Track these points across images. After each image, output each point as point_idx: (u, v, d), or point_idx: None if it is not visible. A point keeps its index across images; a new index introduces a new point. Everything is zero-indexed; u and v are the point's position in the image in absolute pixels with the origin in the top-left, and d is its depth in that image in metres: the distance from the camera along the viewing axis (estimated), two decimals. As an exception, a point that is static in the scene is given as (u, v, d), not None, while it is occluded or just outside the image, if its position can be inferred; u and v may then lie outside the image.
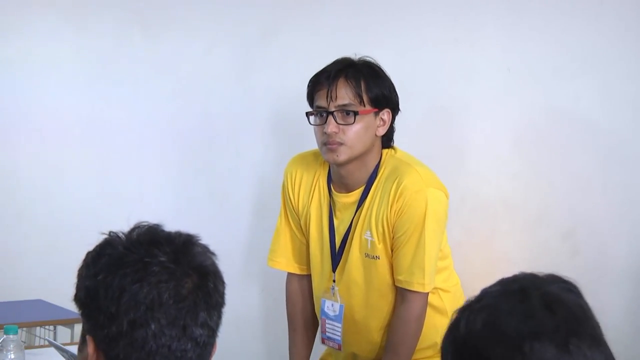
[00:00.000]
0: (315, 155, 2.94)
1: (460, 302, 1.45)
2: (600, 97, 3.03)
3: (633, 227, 2.98)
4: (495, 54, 3.22)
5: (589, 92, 3.04)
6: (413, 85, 3.29)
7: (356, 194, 2.82)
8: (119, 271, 1.45)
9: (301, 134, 3.25)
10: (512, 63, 3.19)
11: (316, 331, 3.08)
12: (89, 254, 1.51)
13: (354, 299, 2.86)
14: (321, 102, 2.78)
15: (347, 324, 2.88)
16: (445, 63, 3.33)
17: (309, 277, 3.02)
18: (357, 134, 2.75)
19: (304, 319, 3.05)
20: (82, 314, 1.49)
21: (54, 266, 4.54)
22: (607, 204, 3.02)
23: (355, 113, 2.74)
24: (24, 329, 3.82)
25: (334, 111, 2.75)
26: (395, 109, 2.82)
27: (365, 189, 2.81)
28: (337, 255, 2.86)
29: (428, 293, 2.78)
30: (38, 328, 3.96)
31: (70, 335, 3.86)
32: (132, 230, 1.50)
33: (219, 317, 1.50)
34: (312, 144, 3.01)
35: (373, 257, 2.79)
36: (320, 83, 2.78)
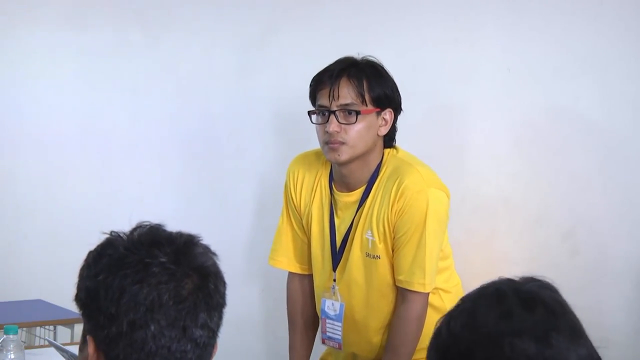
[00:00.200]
0: (317, 154, 2.95)
1: (460, 303, 1.45)
2: (600, 97, 3.03)
3: (633, 227, 2.98)
4: (495, 54, 3.22)
5: (589, 92, 3.05)
6: (413, 85, 3.28)
7: (357, 193, 2.83)
8: (119, 272, 1.44)
9: (301, 133, 3.25)
10: (512, 63, 3.19)
11: (316, 331, 3.08)
12: (90, 254, 1.51)
13: (354, 298, 2.86)
14: (323, 101, 2.78)
15: (347, 324, 2.89)
16: (445, 63, 3.33)
17: (310, 276, 3.02)
18: (358, 133, 2.75)
19: (305, 319, 3.05)
20: (83, 314, 1.49)
21: (54, 266, 4.54)
22: (607, 204, 3.03)
23: (357, 112, 2.74)
24: (24, 329, 3.81)
25: (336, 110, 2.75)
26: (397, 109, 2.82)
27: (366, 188, 2.81)
28: (337, 254, 2.87)
29: (429, 293, 2.78)
30: (38, 328, 3.96)
31: (70, 335, 3.86)
32: (134, 230, 1.50)
33: (220, 317, 1.50)
34: (312, 144, 3.01)
35: (374, 257, 2.80)
36: (323, 82, 2.78)
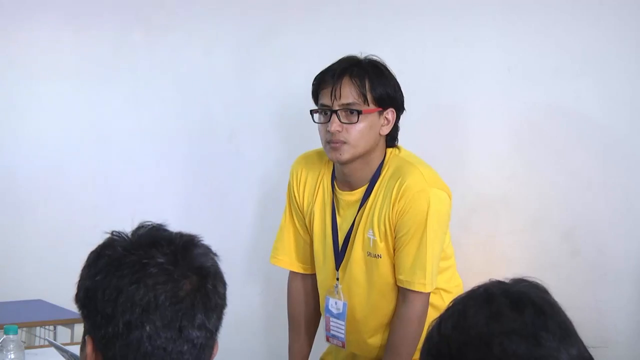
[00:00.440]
0: (319, 154, 2.95)
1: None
2: (600, 97, 3.03)
3: (633, 227, 2.98)
4: (495, 54, 3.22)
5: (589, 92, 3.04)
6: (413, 85, 3.28)
7: (359, 192, 2.83)
8: (117, 272, 1.45)
9: (302, 134, 3.26)
10: (512, 63, 3.19)
11: (316, 330, 3.09)
12: (90, 254, 1.51)
13: (355, 297, 2.86)
14: (325, 100, 2.78)
15: (348, 323, 2.89)
16: (445, 63, 3.33)
17: (311, 276, 3.02)
18: (360, 132, 2.75)
19: (305, 318, 3.05)
20: (82, 314, 1.49)
21: (54, 266, 4.54)
22: (607, 203, 3.02)
23: (359, 112, 2.75)
24: (24, 329, 3.82)
25: (337, 110, 2.76)
26: (400, 108, 2.83)
27: (368, 187, 2.81)
28: (340, 253, 2.87)
29: (429, 293, 2.78)
30: (38, 328, 3.96)
31: (70, 335, 3.86)
32: (136, 230, 1.50)
33: (219, 318, 1.49)
34: (313, 144, 3.02)
35: (375, 256, 2.80)
36: (325, 81, 2.79)
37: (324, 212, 2.91)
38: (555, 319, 1.32)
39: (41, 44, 4.86)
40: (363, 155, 2.78)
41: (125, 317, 1.42)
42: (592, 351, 1.35)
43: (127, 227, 1.52)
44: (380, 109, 2.78)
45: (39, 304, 4.13)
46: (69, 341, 3.74)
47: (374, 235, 2.79)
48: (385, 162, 2.82)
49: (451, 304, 1.37)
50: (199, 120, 4.12)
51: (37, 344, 3.88)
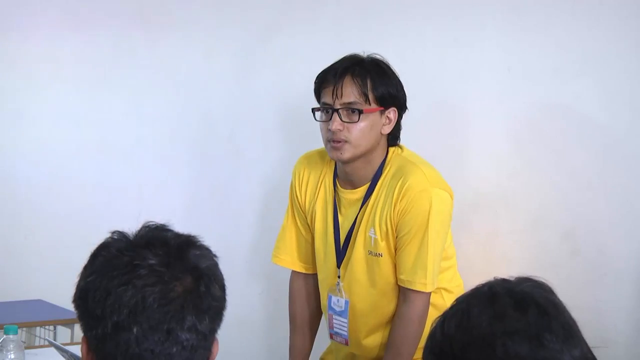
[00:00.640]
0: (321, 154, 2.96)
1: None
2: (599, 97, 3.03)
3: (633, 227, 2.98)
4: (495, 54, 3.22)
5: (589, 91, 3.04)
6: (413, 85, 3.28)
7: (361, 191, 2.83)
8: (108, 273, 1.45)
9: (303, 134, 3.26)
10: (512, 63, 3.19)
11: (317, 330, 3.09)
12: (90, 254, 1.52)
13: (356, 296, 2.87)
14: (327, 99, 2.78)
15: (349, 321, 2.89)
16: (445, 63, 3.33)
17: (312, 275, 3.03)
18: (361, 132, 2.75)
19: (306, 318, 3.06)
20: (77, 314, 1.50)
21: (54, 266, 4.54)
22: (607, 203, 3.02)
23: (360, 111, 2.75)
24: (24, 329, 3.82)
25: (339, 109, 2.76)
26: (402, 108, 2.83)
27: (370, 186, 2.81)
28: (341, 251, 2.87)
29: (430, 293, 2.78)
30: (38, 328, 3.97)
31: (70, 335, 3.87)
32: (138, 231, 1.50)
33: (213, 320, 1.48)
34: (313, 144, 3.02)
35: (376, 255, 2.80)
36: (327, 80, 2.79)
37: (325, 210, 2.91)
38: (559, 319, 1.31)
39: (41, 44, 4.86)
40: (364, 155, 2.78)
41: (114, 318, 1.42)
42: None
43: (128, 227, 1.52)
44: (382, 109, 2.78)
45: (39, 304, 4.13)
46: (69, 341, 3.75)
47: (375, 234, 2.79)
48: (387, 161, 2.82)
49: (455, 302, 1.36)
50: (199, 120, 4.12)
51: (37, 344, 3.88)
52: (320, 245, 2.94)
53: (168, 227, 1.52)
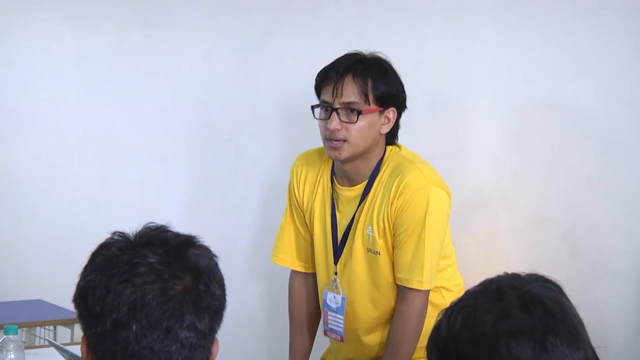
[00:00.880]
0: (319, 152, 2.96)
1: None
2: (600, 96, 3.03)
3: (633, 227, 2.98)
4: (495, 54, 3.22)
5: (589, 91, 3.04)
6: (413, 85, 3.28)
7: (359, 189, 2.83)
8: (107, 272, 1.45)
9: (302, 133, 3.26)
10: (512, 63, 3.19)
11: (317, 329, 3.09)
12: (90, 254, 1.52)
13: (355, 293, 2.87)
14: (327, 97, 2.78)
15: (348, 320, 2.89)
16: (445, 63, 3.33)
17: (311, 275, 3.03)
18: (360, 131, 2.75)
19: (306, 317, 3.06)
20: (77, 314, 1.50)
21: (54, 266, 4.54)
22: (607, 203, 3.02)
23: (359, 112, 2.74)
24: (24, 329, 3.82)
25: (338, 108, 2.75)
26: (401, 107, 2.83)
27: (367, 183, 2.81)
28: (338, 248, 2.87)
29: (428, 291, 2.78)
30: (38, 328, 3.97)
31: (70, 335, 3.86)
32: (139, 231, 1.50)
33: (213, 320, 1.48)
34: (313, 144, 3.02)
35: (374, 252, 2.80)
36: (329, 78, 2.78)
37: (323, 208, 2.92)
38: (565, 322, 1.30)
39: (41, 43, 4.85)
40: (362, 154, 2.79)
41: (113, 315, 1.42)
42: (591, 351, 1.35)
43: (129, 226, 1.52)
44: (381, 109, 2.78)
45: (39, 304, 4.13)
46: (69, 341, 3.75)
47: (373, 231, 2.79)
48: (384, 159, 2.82)
49: (463, 296, 1.35)
50: (199, 119, 4.12)
51: (37, 344, 3.88)
52: (318, 243, 2.94)
53: (168, 228, 1.52)
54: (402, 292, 2.79)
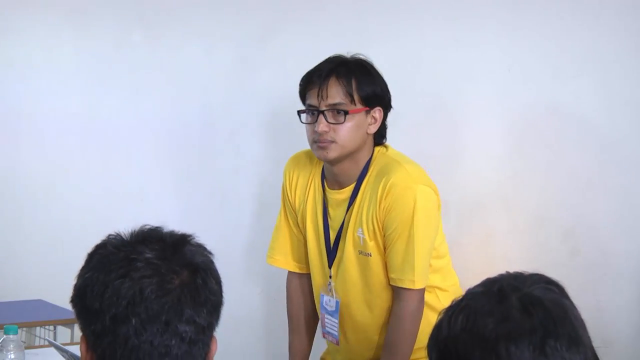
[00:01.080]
0: (309, 154, 2.97)
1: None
2: (600, 97, 3.03)
3: (633, 227, 2.98)
4: (495, 54, 3.22)
5: (589, 92, 3.04)
6: (413, 85, 3.29)
7: (348, 191, 2.84)
8: (105, 269, 1.45)
9: (301, 133, 3.25)
10: (512, 63, 3.19)
11: (316, 329, 3.09)
12: (87, 254, 1.52)
13: (349, 296, 2.87)
14: (312, 100, 2.79)
15: (344, 322, 2.89)
16: (445, 63, 3.33)
17: (307, 275, 3.03)
18: (348, 132, 2.76)
19: (304, 318, 3.06)
20: (75, 313, 1.50)
21: (54, 266, 4.54)
22: (607, 203, 3.02)
23: (346, 112, 2.75)
24: (24, 329, 3.82)
25: (324, 110, 2.76)
26: (387, 107, 2.83)
27: (355, 186, 2.82)
28: (332, 251, 2.88)
29: (423, 290, 2.78)
30: (38, 328, 3.97)
31: (70, 335, 3.87)
32: (135, 231, 1.51)
33: (211, 315, 1.48)
34: (312, 144, 3.01)
35: (366, 254, 2.80)
36: (312, 82, 2.80)
37: (315, 211, 2.92)
38: (566, 325, 1.30)
39: (41, 43, 4.86)
40: (351, 154, 2.79)
41: (112, 311, 1.42)
42: (591, 351, 1.34)
43: (128, 226, 1.52)
44: (367, 109, 2.79)
45: (39, 304, 4.13)
46: (69, 341, 3.75)
47: (363, 233, 2.79)
48: (372, 160, 2.83)
49: (465, 295, 1.35)
50: (199, 119, 4.12)
51: (37, 344, 3.88)
52: (313, 247, 2.94)
53: (162, 229, 1.53)
54: (396, 292, 2.79)
